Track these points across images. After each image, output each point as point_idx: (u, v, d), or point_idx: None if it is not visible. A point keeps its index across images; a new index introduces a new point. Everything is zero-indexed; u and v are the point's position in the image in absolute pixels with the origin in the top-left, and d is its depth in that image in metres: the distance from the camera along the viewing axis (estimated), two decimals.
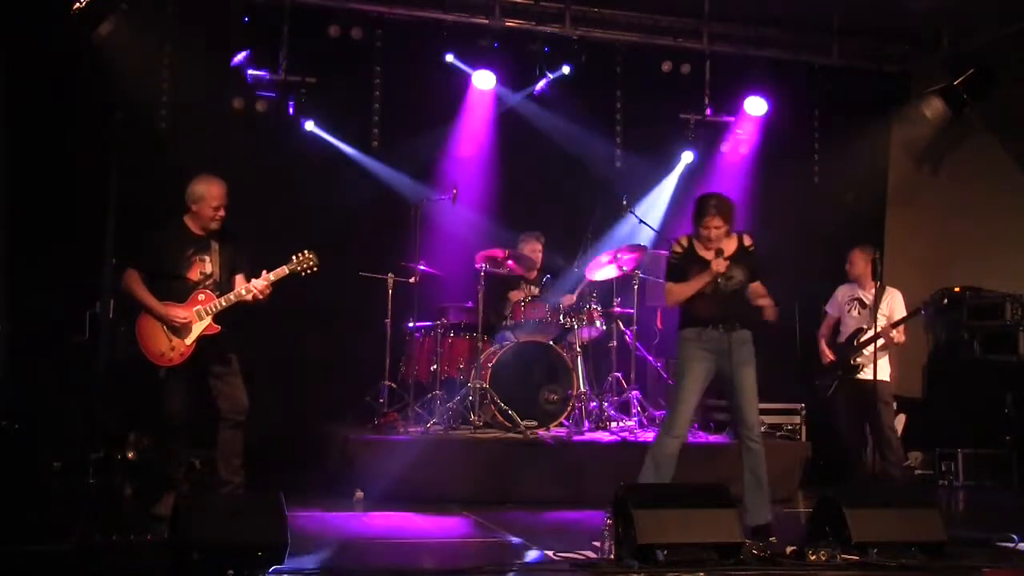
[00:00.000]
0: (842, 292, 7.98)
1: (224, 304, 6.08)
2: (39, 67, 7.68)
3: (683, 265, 5.97)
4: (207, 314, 6.06)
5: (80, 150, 7.73)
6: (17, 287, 7.65)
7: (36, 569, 4.79)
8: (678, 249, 6.03)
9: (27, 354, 7.60)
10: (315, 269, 6.22)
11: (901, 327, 7.61)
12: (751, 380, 5.92)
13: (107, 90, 7.65)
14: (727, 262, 5.84)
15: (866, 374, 7.42)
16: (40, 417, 7.34)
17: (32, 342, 7.62)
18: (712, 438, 7.99)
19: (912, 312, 7.69)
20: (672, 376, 5.93)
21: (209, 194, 6.11)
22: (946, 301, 7.79)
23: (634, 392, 8.19)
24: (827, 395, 7.83)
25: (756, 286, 6.02)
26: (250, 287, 6.08)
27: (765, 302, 6.00)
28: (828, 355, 7.85)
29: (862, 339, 7.61)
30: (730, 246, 5.96)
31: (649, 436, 7.04)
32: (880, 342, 7.40)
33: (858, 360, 7.61)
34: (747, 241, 6.05)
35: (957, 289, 9.32)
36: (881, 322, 7.49)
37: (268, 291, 6.12)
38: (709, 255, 5.87)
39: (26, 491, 6.76)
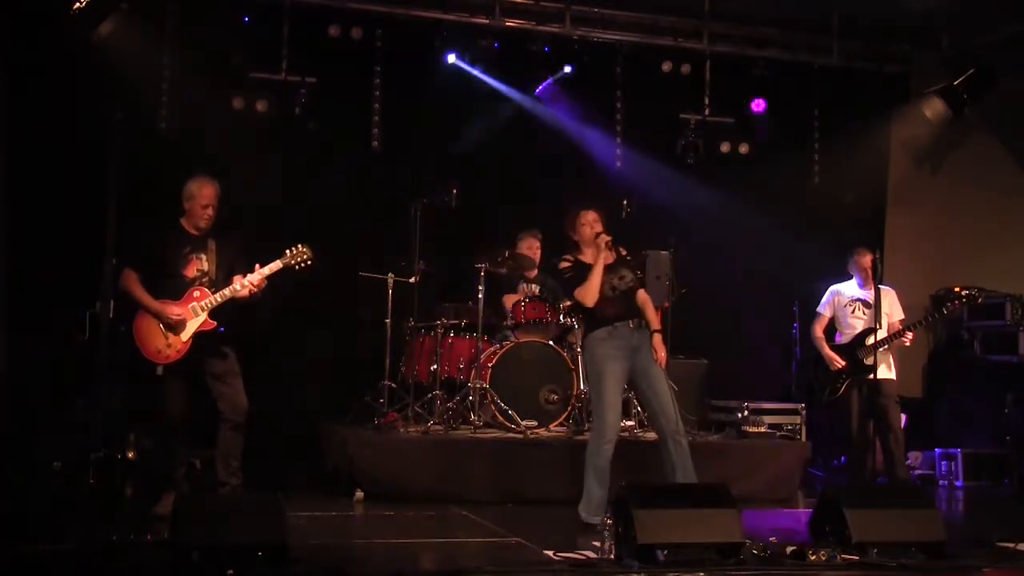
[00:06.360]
0: (838, 292, 7.95)
1: (219, 300, 6.09)
2: (39, 67, 7.67)
3: (577, 272, 6.18)
4: (202, 310, 6.07)
5: (80, 150, 7.73)
6: (17, 287, 7.65)
7: (36, 569, 4.78)
8: (566, 263, 6.27)
9: (27, 354, 7.60)
10: (309, 263, 6.22)
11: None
12: (662, 376, 6.10)
13: (107, 90, 7.64)
14: (608, 236, 6.10)
15: (877, 373, 7.41)
16: (40, 417, 7.33)
17: (32, 342, 7.62)
18: (712, 438, 7.99)
19: (920, 321, 7.71)
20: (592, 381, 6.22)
21: (200, 193, 6.14)
22: (958, 303, 7.83)
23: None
24: (835, 397, 7.81)
25: (642, 293, 6.30)
26: (244, 282, 6.09)
27: (651, 313, 6.26)
28: (838, 361, 7.80)
29: (872, 340, 7.52)
30: (609, 257, 6.18)
31: (650, 435, 7.03)
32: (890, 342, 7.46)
33: (870, 361, 7.52)
34: (623, 251, 6.32)
35: (957, 289, 9.33)
36: (883, 321, 7.49)
37: (263, 286, 6.13)
38: (588, 259, 6.17)
39: (26, 491, 6.77)
